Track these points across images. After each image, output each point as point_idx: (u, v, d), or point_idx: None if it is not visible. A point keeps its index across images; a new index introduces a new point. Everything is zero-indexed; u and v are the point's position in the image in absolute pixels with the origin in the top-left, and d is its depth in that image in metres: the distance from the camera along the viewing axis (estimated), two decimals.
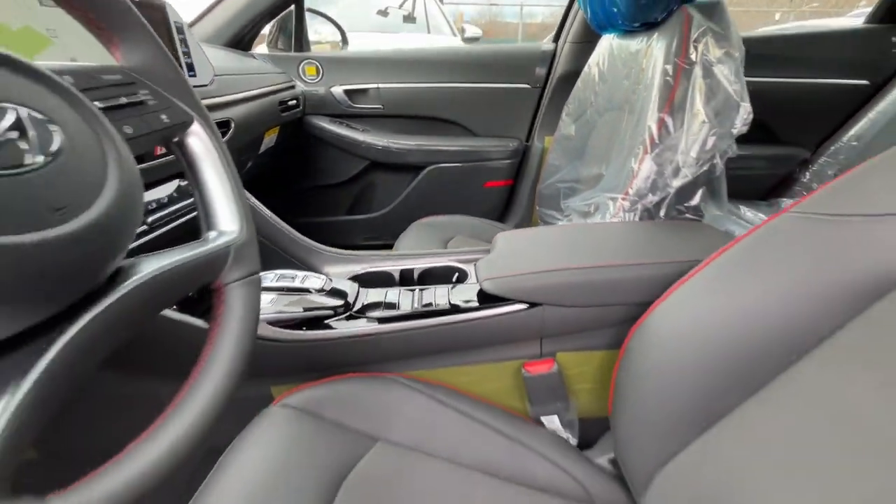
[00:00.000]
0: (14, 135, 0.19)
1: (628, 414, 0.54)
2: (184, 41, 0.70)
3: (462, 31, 3.99)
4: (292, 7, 1.25)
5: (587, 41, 1.19)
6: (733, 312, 0.47)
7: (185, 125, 0.34)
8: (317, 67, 1.29)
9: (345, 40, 1.48)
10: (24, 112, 0.20)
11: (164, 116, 0.31)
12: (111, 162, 0.24)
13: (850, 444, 0.36)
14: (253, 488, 0.44)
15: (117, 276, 0.25)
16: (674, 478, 0.47)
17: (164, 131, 0.31)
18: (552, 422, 0.63)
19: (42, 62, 0.25)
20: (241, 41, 1.16)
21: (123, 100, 0.29)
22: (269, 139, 1.12)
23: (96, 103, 0.26)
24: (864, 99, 1.29)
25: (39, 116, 0.21)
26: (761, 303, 0.45)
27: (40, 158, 0.20)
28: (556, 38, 1.31)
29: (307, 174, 1.39)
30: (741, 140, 1.46)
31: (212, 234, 0.34)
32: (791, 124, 1.36)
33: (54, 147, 0.20)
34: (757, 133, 1.40)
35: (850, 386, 0.38)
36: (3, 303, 0.19)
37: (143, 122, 0.29)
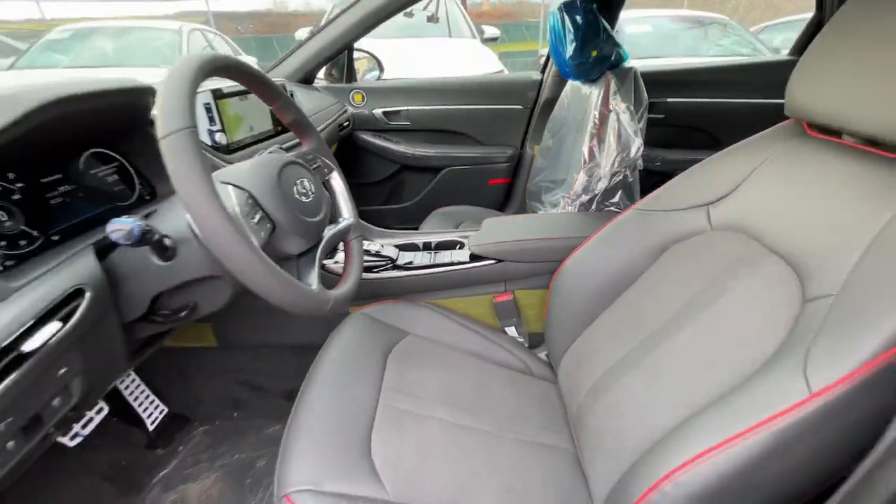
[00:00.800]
0: (308, 187, 0.62)
1: (551, 323, 0.92)
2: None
3: (482, 32, 4.31)
4: None
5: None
6: (600, 263, 0.85)
7: (330, 171, 0.76)
8: (362, 95, 1.66)
9: (381, 68, 1.87)
10: (304, 179, 0.63)
11: (325, 169, 0.74)
12: (322, 193, 0.66)
13: (635, 326, 0.74)
14: (344, 356, 0.82)
15: (323, 236, 0.68)
16: (571, 355, 0.86)
17: (324, 176, 0.74)
18: (511, 331, 1.04)
19: (290, 155, 0.67)
20: (307, 78, 1.58)
21: (313, 165, 0.72)
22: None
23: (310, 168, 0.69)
24: None
25: (308, 178, 0.64)
26: (613, 258, 0.84)
27: (311, 194, 0.63)
28: (543, 70, 1.65)
29: (355, 175, 1.76)
30: (693, 147, 1.81)
31: (341, 219, 0.77)
32: (733, 134, 1.64)
33: (314, 189, 0.63)
34: (705, 142, 1.75)
35: (642, 299, 0.78)
36: (313, 237, 0.63)
37: (319, 173, 0.72)
